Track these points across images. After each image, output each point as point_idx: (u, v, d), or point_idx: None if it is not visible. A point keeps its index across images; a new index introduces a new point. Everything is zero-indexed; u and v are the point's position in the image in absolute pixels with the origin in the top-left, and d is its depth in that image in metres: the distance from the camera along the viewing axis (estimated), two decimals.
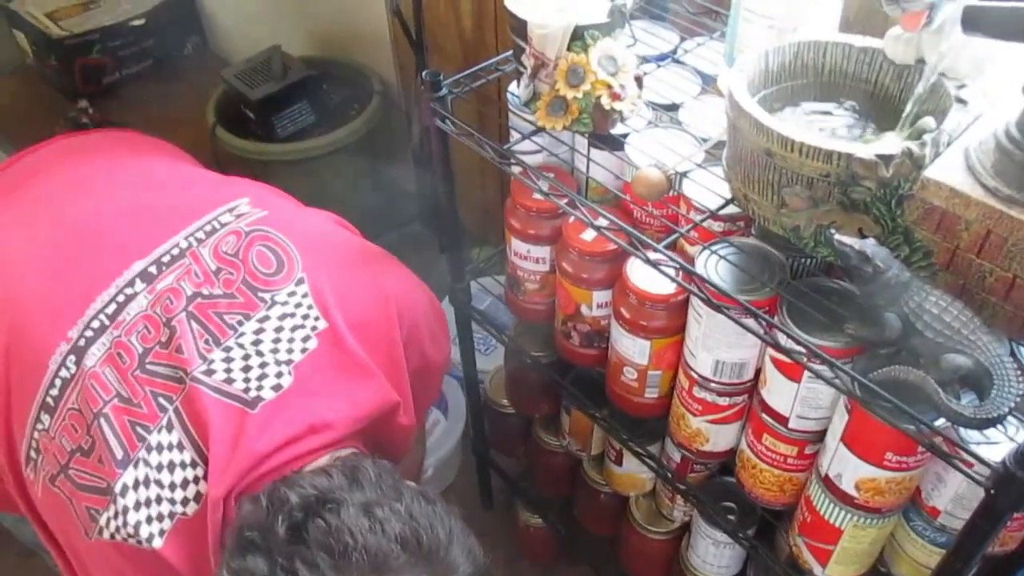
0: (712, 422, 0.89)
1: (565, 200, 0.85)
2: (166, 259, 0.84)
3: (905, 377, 0.64)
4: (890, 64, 0.77)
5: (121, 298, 0.81)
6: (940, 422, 0.64)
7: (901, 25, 0.71)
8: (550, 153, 0.97)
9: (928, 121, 0.68)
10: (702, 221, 0.79)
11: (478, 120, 1.18)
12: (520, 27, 0.83)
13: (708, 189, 0.82)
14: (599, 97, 0.83)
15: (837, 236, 0.66)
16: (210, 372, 0.78)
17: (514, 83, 0.98)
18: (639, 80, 0.86)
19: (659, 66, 0.99)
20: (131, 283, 0.82)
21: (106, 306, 0.81)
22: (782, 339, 0.73)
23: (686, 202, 0.84)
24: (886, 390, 0.64)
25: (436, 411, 1.52)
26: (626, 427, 1.03)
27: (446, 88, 0.91)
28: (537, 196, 0.89)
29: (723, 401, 0.87)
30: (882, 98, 0.79)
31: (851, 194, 0.68)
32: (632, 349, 0.90)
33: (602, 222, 0.82)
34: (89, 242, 0.87)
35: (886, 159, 0.65)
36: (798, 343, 0.71)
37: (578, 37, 0.82)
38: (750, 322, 0.73)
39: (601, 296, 0.94)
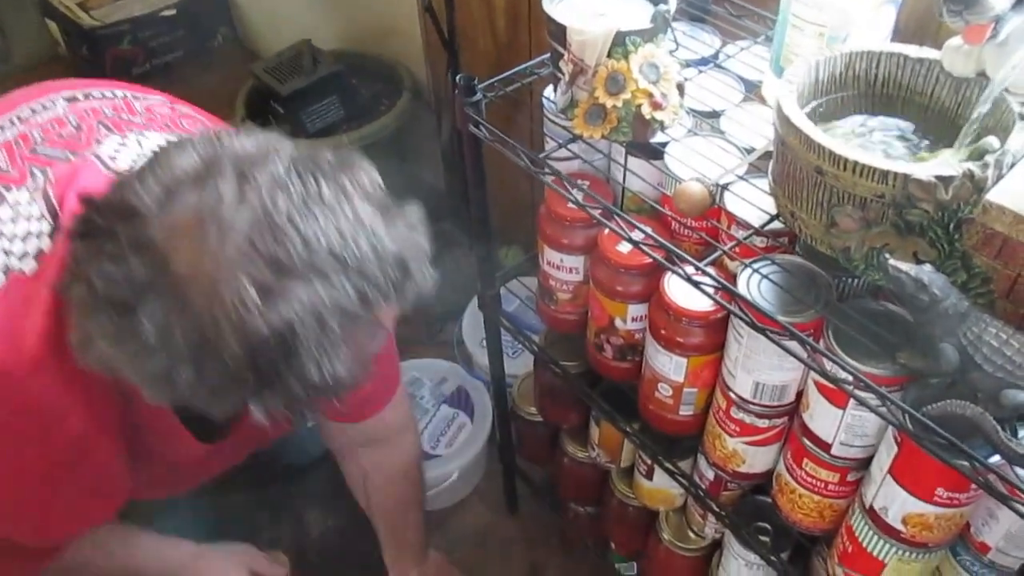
0: (750, 444, 0.86)
1: (600, 211, 0.82)
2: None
3: (962, 412, 0.60)
4: (947, 76, 0.73)
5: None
6: (995, 459, 0.61)
7: (964, 38, 0.67)
8: (585, 161, 0.94)
9: (991, 140, 0.64)
10: (745, 239, 0.76)
11: (510, 122, 1.15)
12: (558, 32, 0.80)
13: (751, 203, 0.79)
14: (639, 106, 0.80)
15: (892, 261, 0.63)
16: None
17: (549, 88, 0.95)
18: (681, 88, 0.83)
19: (700, 71, 0.95)
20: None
21: None
22: (828, 365, 0.69)
23: (728, 216, 0.81)
24: (940, 425, 0.61)
25: (462, 414, 1.50)
26: (658, 442, 1.00)
27: (480, 92, 0.88)
28: (571, 205, 0.86)
29: (762, 423, 0.84)
30: (938, 112, 0.75)
31: (906, 216, 0.64)
32: (668, 366, 0.87)
33: (638, 235, 0.79)
34: None
35: (945, 181, 0.62)
36: (845, 370, 0.67)
37: (619, 43, 0.78)
38: (794, 346, 0.70)
39: (636, 310, 0.91)
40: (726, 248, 0.76)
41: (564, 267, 0.97)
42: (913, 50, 0.74)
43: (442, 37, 1.56)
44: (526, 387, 1.27)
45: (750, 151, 0.85)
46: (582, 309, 1.01)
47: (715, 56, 0.99)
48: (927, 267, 0.63)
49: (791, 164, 0.69)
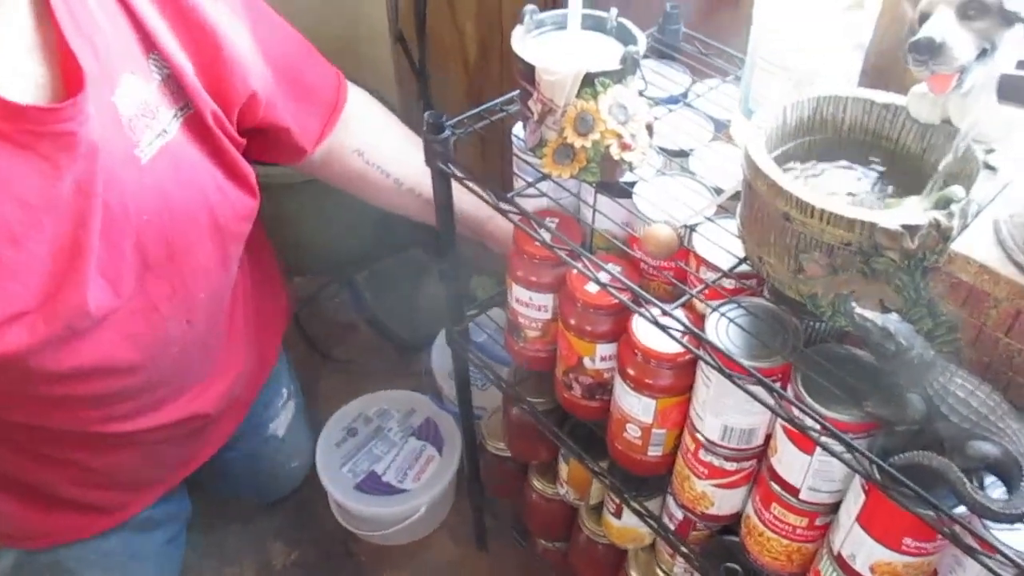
0: (718, 486, 0.85)
1: (567, 252, 0.81)
2: None
3: (928, 463, 0.60)
4: (913, 122, 0.73)
5: None
6: (961, 509, 0.61)
7: (929, 87, 0.67)
8: (552, 200, 0.94)
9: (956, 190, 0.64)
10: (714, 283, 0.76)
11: (480, 154, 1.15)
12: (527, 71, 0.80)
13: (719, 246, 0.78)
14: (608, 147, 0.79)
15: (858, 310, 0.63)
16: None
17: (518, 125, 0.95)
18: (650, 128, 0.83)
19: (670, 110, 0.95)
20: None
21: None
22: (795, 411, 0.69)
23: (696, 258, 0.81)
24: (906, 475, 0.61)
25: (431, 447, 1.48)
26: (626, 482, 0.99)
27: (448, 130, 0.88)
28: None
29: (730, 466, 0.83)
30: (904, 156, 0.75)
31: (873, 264, 0.64)
32: (636, 407, 0.87)
33: (605, 277, 0.78)
34: None
35: (912, 230, 0.62)
36: (812, 417, 0.67)
37: (588, 84, 0.78)
38: (761, 392, 0.69)
39: (605, 349, 0.90)
40: (694, 292, 0.76)
41: (533, 305, 0.96)
42: (880, 96, 0.75)
43: (413, 66, 1.56)
44: (495, 422, 1.26)
45: (719, 192, 0.85)
46: (551, 346, 1.00)
47: (684, 95, 0.99)
48: (893, 316, 0.63)
49: (759, 209, 0.69)
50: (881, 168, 0.76)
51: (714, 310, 0.76)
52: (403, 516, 1.40)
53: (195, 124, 0.94)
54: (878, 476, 0.62)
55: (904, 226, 0.62)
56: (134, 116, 0.87)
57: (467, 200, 1.02)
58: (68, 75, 0.81)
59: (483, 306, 1.14)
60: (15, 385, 0.89)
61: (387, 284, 1.93)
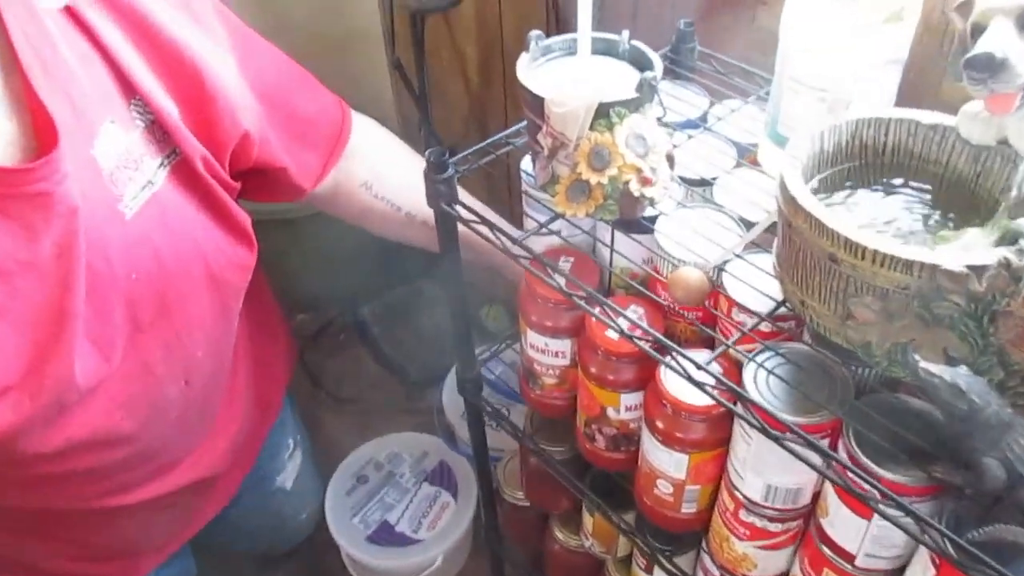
0: (761, 548, 0.78)
1: (584, 297, 0.74)
2: None
3: (1013, 539, 0.53)
4: (964, 144, 0.66)
5: None
6: None
7: (988, 107, 0.60)
8: (564, 239, 0.87)
9: None
10: (751, 330, 0.68)
11: (486, 188, 1.08)
12: (535, 103, 0.73)
13: (752, 287, 0.71)
14: (627, 182, 0.72)
15: (923, 365, 0.55)
16: None
17: (526, 159, 0.88)
18: (671, 160, 0.76)
19: (689, 136, 0.88)
20: None
21: None
22: (850, 474, 0.62)
23: (727, 300, 0.73)
24: (985, 551, 0.53)
25: (445, 492, 1.41)
26: (657, 538, 0.91)
27: (452, 167, 0.81)
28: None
29: (775, 527, 0.76)
30: (954, 181, 0.68)
31: (934, 309, 0.57)
32: (667, 462, 0.79)
33: (625, 324, 0.71)
34: None
35: (978, 270, 0.54)
36: (869, 482, 0.60)
37: (602, 115, 0.71)
38: (810, 454, 0.62)
39: (630, 399, 0.83)
40: (729, 343, 0.68)
41: (549, 351, 0.89)
42: (925, 116, 0.68)
43: (412, 93, 1.49)
44: (512, 468, 1.19)
45: (747, 224, 0.78)
46: (571, 393, 0.93)
47: (703, 118, 0.92)
48: (963, 370, 0.55)
49: (799, 249, 0.62)
50: (929, 195, 0.69)
51: (751, 360, 0.69)
52: (419, 568, 1.32)
53: (184, 171, 0.87)
54: (953, 553, 0.55)
55: (969, 267, 0.54)
56: (116, 168, 0.80)
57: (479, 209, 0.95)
58: (40, 130, 0.74)
59: (495, 348, 1.07)
60: (2, 467, 0.82)
61: (395, 317, 1.86)
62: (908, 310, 0.58)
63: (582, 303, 0.73)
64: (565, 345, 0.88)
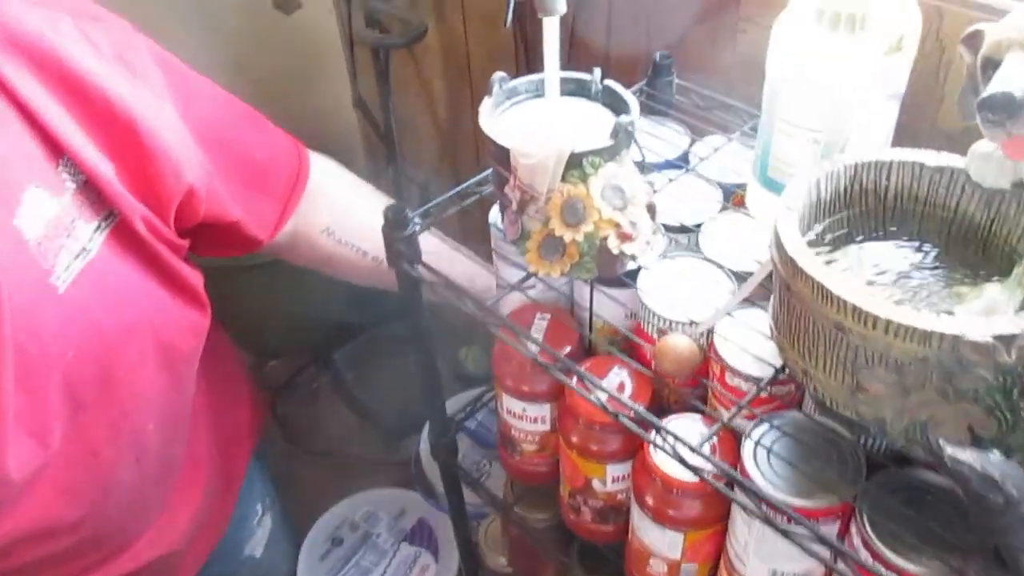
0: None
1: (560, 368, 0.67)
2: None
3: None
4: (975, 188, 0.60)
5: None
6: None
7: (1006, 153, 0.54)
8: (540, 295, 0.80)
9: None
10: (747, 403, 0.61)
11: (460, 236, 1.01)
12: (500, 154, 0.66)
13: (747, 351, 0.64)
14: (605, 238, 0.66)
15: (949, 452, 0.49)
16: None
17: (495, 210, 0.81)
18: (652, 210, 0.69)
19: (670, 180, 0.81)
20: None
21: None
22: (867, 564, 0.55)
23: (719, 364, 0.66)
24: None
25: (425, 553, 1.33)
26: None
27: (414, 223, 0.74)
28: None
29: None
30: (965, 228, 0.62)
31: (956, 382, 0.50)
32: (660, 540, 0.72)
33: (604, 396, 0.64)
34: None
35: (1007, 340, 0.48)
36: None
37: (575, 165, 0.65)
38: (821, 549, 0.55)
39: (617, 470, 0.76)
40: (725, 419, 0.61)
41: (527, 417, 0.82)
42: (931, 157, 0.61)
43: (377, 131, 1.43)
44: (494, 531, 1.11)
45: (737, 276, 0.72)
46: (552, 459, 0.85)
47: (684, 157, 0.86)
48: (995, 456, 0.48)
49: (800, 315, 0.55)
50: (938, 243, 0.62)
51: (748, 436, 0.62)
52: None
53: (123, 234, 0.80)
54: None
55: (997, 336, 0.48)
56: (44, 238, 0.73)
57: (445, 263, 0.88)
58: None
59: (472, 407, 0.99)
60: None
61: (369, 362, 1.78)
62: (927, 383, 0.52)
63: (558, 373, 0.66)
64: (544, 410, 0.81)
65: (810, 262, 0.53)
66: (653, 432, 0.61)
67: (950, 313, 0.54)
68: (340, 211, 1.04)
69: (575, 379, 0.66)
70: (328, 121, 1.73)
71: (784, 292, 0.56)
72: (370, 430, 1.68)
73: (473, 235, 1.03)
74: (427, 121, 1.52)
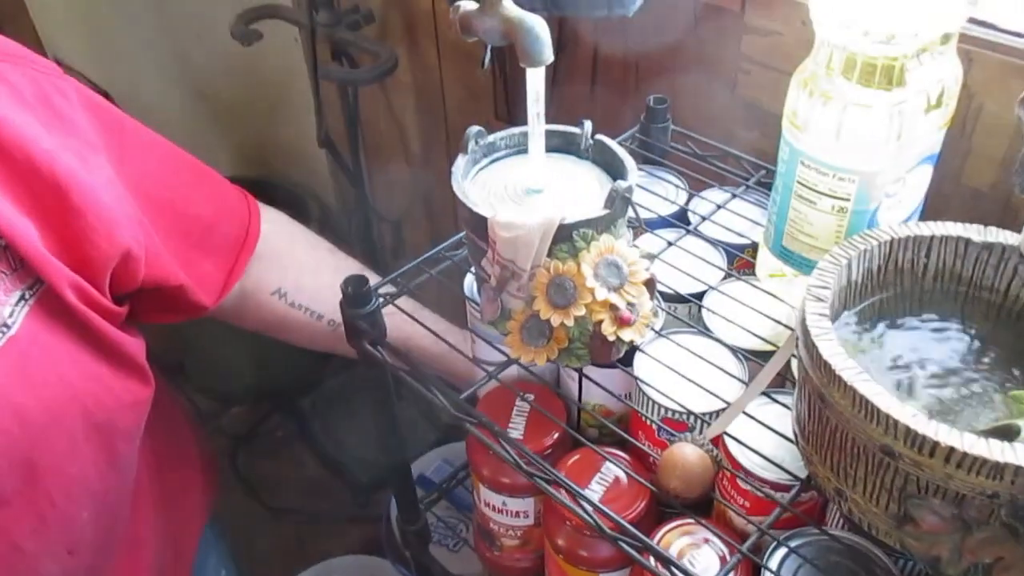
0: None
1: (542, 475, 0.57)
2: None
3: None
4: None
5: None
6: None
7: None
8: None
9: None
10: (768, 526, 0.52)
11: (435, 301, 0.91)
12: (476, 223, 0.57)
13: (759, 453, 0.55)
14: (599, 323, 0.56)
15: None
16: None
17: (469, 277, 0.72)
18: (652, 286, 0.60)
19: (669, 244, 0.72)
20: None
21: None
22: None
23: (731, 475, 0.57)
24: None
25: None
26: None
27: (377, 298, 0.64)
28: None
29: None
30: (1017, 314, 0.53)
31: None
32: None
33: (591, 508, 0.54)
34: None
35: None
36: None
37: (563, 238, 0.55)
38: None
39: None
40: (743, 548, 0.51)
41: (508, 510, 0.72)
42: (977, 232, 0.53)
43: (345, 171, 1.33)
44: None
45: (746, 355, 0.63)
46: (536, 553, 0.76)
47: (682, 215, 0.77)
48: None
49: (836, 430, 0.46)
50: (984, 331, 0.53)
51: (766, 566, 0.52)
52: None
53: (50, 304, 0.70)
54: None
55: None
56: None
57: (415, 326, 0.78)
58: None
59: (444, 488, 0.90)
60: None
61: (337, 409, 1.67)
62: (993, 519, 0.43)
63: (541, 483, 0.56)
64: (527, 504, 0.71)
65: (851, 371, 0.44)
66: (651, 559, 0.51)
67: (1016, 433, 0.45)
68: (293, 271, 0.94)
69: (562, 491, 0.56)
70: (296, 156, 1.64)
71: (815, 400, 0.47)
72: (338, 484, 1.58)
73: (446, 303, 0.93)
74: (399, 156, 1.42)
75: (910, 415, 0.41)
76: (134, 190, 0.75)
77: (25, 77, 0.69)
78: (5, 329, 0.66)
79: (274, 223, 0.92)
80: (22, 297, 0.67)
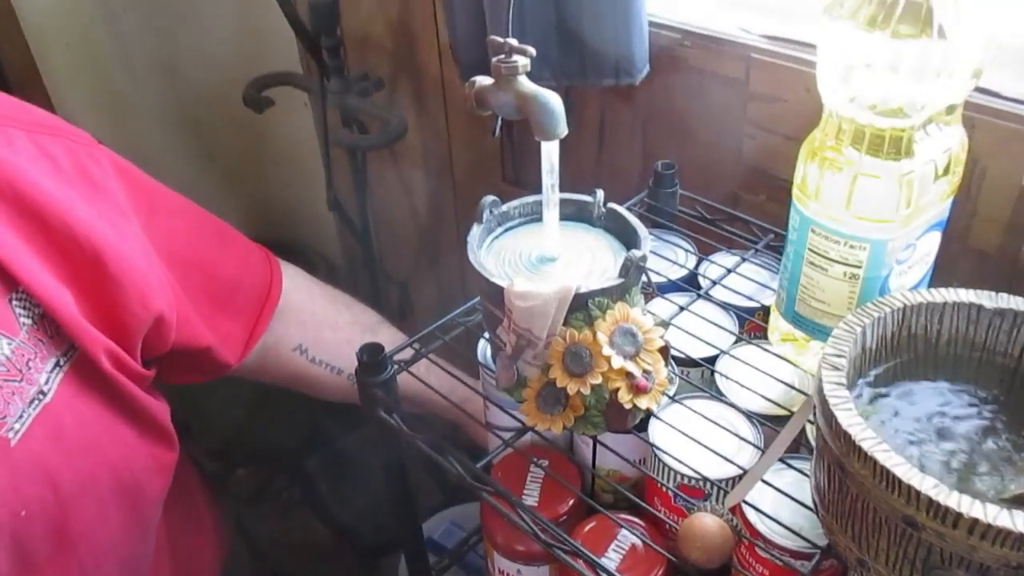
0: None
1: (559, 544, 0.57)
2: None
3: None
4: None
5: None
6: None
7: None
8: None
9: None
10: None
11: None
12: (492, 292, 0.58)
13: (778, 521, 0.55)
14: (615, 391, 0.56)
15: None
16: None
17: (483, 343, 0.72)
18: (666, 352, 0.60)
19: (681, 309, 0.73)
20: None
21: None
22: None
23: (750, 544, 0.57)
24: None
25: None
26: None
27: (390, 366, 0.65)
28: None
29: None
30: None
31: None
32: None
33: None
34: None
35: None
36: None
37: (579, 307, 0.56)
38: None
39: None
40: None
41: None
42: (989, 298, 0.53)
43: (354, 233, 1.34)
44: None
45: (760, 419, 0.63)
46: None
47: (692, 279, 0.77)
48: None
49: (856, 500, 0.46)
50: (997, 396, 0.54)
51: None
52: None
53: (84, 370, 0.70)
54: None
55: None
56: None
57: (431, 376, 0.78)
58: None
59: (455, 553, 0.89)
60: None
61: (344, 470, 1.66)
62: None
63: (559, 553, 0.56)
64: (542, 572, 0.71)
65: (871, 441, 0.44)
66: None
67: None
68: (312, 326, 0.95)
69: (580, 560, 0.56)
70: (304, 217, 1.66)
71: (835, 470, 0.47)
72: (345, 547, 1.56)
73: (458, 367, 0.93)
74: (406, 218, 1.44)
75: (932, 486, 0.41)
76: (164, 254, 0.77)
77: (63, 148, 0.70)
78: (41, 396, 0.66)
79: (293, 279, 0.93)
80: (57, 363, 0.68)
